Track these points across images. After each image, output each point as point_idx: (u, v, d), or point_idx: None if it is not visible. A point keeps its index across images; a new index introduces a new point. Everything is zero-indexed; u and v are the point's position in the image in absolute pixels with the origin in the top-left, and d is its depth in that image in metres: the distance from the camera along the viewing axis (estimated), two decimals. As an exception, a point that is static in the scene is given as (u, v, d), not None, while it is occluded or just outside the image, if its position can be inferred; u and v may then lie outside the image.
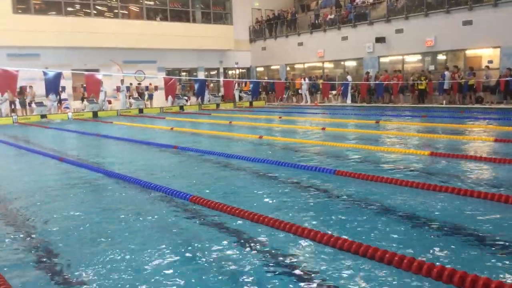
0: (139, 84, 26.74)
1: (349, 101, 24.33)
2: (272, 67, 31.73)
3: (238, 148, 10.63)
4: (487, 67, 19.86)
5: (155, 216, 5.19)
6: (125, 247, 4.20)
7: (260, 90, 28.74)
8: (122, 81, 25.07)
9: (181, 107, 25.46)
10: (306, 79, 26.79)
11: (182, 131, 14.49)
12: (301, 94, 27.23)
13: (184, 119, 19.22)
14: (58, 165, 8.90)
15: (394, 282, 3.32)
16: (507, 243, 4.02)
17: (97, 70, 23.95)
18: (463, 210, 4.99)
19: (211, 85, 29.90)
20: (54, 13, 24.15)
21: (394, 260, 3.38)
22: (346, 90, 24.22)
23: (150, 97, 26.07)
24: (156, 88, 26.07)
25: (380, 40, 23.93)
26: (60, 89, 20.78)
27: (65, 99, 23.71)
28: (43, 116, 21.35)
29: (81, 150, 11.43)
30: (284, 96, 27.43)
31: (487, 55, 20.92)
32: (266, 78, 30.91)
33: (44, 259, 4.06)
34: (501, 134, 10.91)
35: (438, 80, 20.84)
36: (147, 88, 26.19)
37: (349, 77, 24.65)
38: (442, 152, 8.40)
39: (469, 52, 21.46)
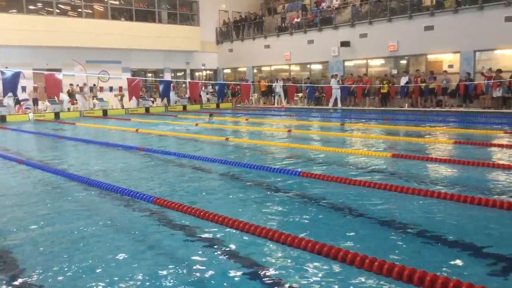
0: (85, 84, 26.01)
1: (339, 104, 23.42)
2: (239, 69, 31.73)
3: (204, 150, 10.57)
4: (445, 71, 20.47)
5: (118, 219, 5.09)
6: (88, 251, 4.11)
7: (231, 91, 28.79)
8: (91, 85, 24.46)
9: (147, 109, 25.10)
10: (280, 80, 26.53)
11: (148, 133, 14.29)
12: (268, 96, 27.30)
13: (149, 121, 18.95)
14: (16, 167, 8.62)
15: (363, 284, 3.37)
16: (467, 242, 4.15)
17: (59, 70, 23.34)
18: (423, 209, 5.11)
19: (183, 85, 29.43)
20: (15, 11, 23.37)
21: (356, 260, 3.41)
22: (312, 93, 24.43)
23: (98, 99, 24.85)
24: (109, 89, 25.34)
25: (344, 44, 24.28)
26: (21, 89, 20.19)
27: (26, 99, 22.98)
28: (2, 117, 20.65)
29: (40, 152, 11.11)
30: (250, 98, 27.40)
31: (448, 59, 21.56)
32: (232, 80, 30.80)
33: (1, 265, 3.92)
34: (460, 136, 11.26)
35: (400, 84, 21.31)
36: (111, 89, 25.54)
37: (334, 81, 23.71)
38: (404, 153, 8.59)
39: (430, 57, 22.06)
